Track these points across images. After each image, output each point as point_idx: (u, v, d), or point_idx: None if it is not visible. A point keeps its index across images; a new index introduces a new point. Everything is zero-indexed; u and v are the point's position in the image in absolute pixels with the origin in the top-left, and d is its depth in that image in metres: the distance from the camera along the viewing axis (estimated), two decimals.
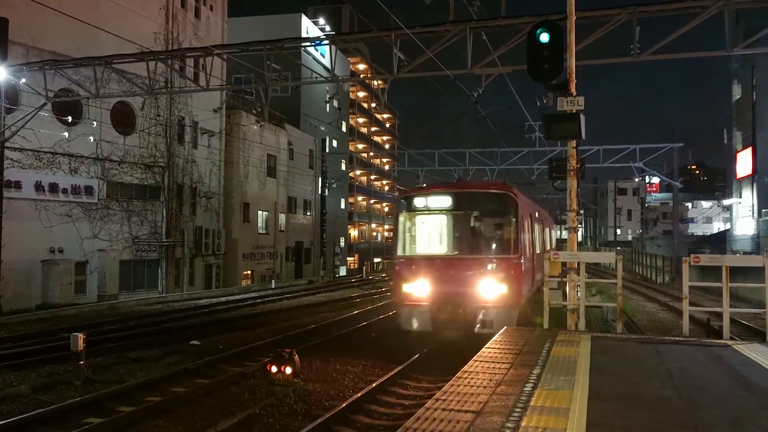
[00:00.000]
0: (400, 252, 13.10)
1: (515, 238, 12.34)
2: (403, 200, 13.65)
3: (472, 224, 13.22)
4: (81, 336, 11.76)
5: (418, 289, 12.37)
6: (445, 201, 12.95)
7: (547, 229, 20.61)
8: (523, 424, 5.10)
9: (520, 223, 12.48)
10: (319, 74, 24.26)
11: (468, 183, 15.24)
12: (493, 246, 12.83)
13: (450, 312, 11.96)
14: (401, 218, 13.32)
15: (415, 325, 12.35)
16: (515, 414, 5.36)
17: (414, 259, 13.01)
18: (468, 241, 12.85)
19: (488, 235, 13.14)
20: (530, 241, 13.90)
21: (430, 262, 12.71)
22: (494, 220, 13.19)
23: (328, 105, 52.88)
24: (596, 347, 8.52)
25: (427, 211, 13.16)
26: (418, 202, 13.13)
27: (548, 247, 20.10)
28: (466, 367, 7.22)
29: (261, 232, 41.20)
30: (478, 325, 11.73)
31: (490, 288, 11.91)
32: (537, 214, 16.63)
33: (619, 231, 76.37)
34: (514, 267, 12.11)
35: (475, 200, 13.17)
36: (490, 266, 12.12)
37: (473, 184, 15.25)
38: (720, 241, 50.04)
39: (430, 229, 13.68)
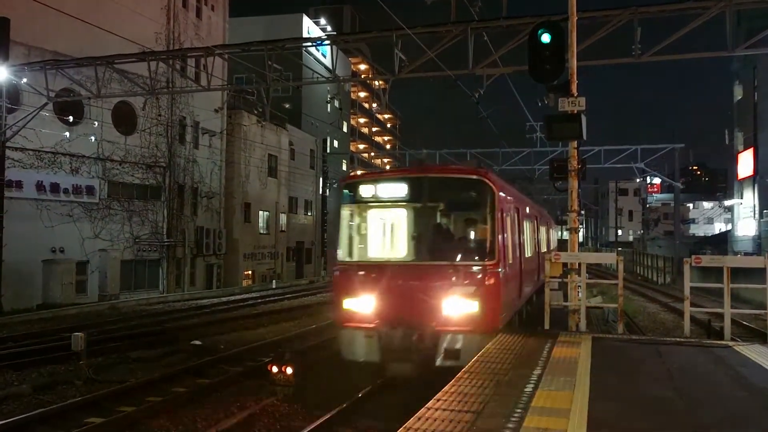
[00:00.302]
0: (341, 256, 10.45)
1: (492, 239, 9.63)
2: (345, 189, 10.74)
3: (435, 220, 10.53)
4: (82, 336, 11.78)
5: (363, 305, 9.74)
6: (399, 189, 10.23)
7: (543, 228, 18.10)
8: (524, 424, 5.10)
9: (500, 218, 9.82)
10: (320, 74, 24.26)
11: (430, 166, 12.73)
12: (463, 249, 10.12)
13: (403, 338, 9.28)
14: (343, 212, 10.65)
15: (357, 353, 9.82)
16: (516, 415, 5.36)
17: (358, 266, 10.41)
18: (429, 243, 10.12)
19: (457, 234, 10.57)
20: (516, 243, 11.26)
21: (379, 270, 9.97)
22: (464, 215, 10.55)
23: (329, 105, 52.93)
24: (597, 348, 8.52)
25: (377, 202, 10.47)
26: (365, 190, 10.37)
27: (544, 249, 17.67)
28: (466, 368, 7.22)
29: (262, 232, 41.21)
30: (440, 356, 9.19)
31: (457, 306, 9.28)
32: (528, 210, 14.11)
33: (620, 232, 76.31)
34: (490, 277, 9.40)
35: (439, 188, 10.31)
36: (457, 276, 9.45)
37: (436, 168, 12.56)
38: (721, 242, 50.05)
39: (379, 227, 11.09)
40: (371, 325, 9.61)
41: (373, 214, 10.82)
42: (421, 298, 9.43)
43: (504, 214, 10.06)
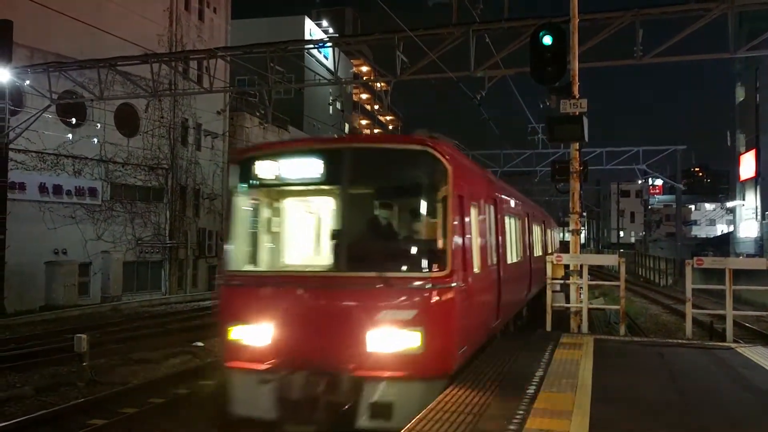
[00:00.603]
0: (230, 264, 7.38)
1: (444, 239, 6.65)
2: (238, 167, 7.59)
3: (362, 212, 7.24)
4: (84, 337, 11.79)
5: (255, 336, 6.79)
6: (312, 167, 7.12)
7: (537, 228, 15.57)
8: (526, 426, 5.11)
9: (457, 209, 6.90)
10: (322, 76, 24.32)
11: (359, 136, 9.39)
12: (401, 254, 7.14)
13: (306, 386, 6.39)
14: (234, 200, 7.57)
15: (246, 406, 6.79)
16: (518, 416, 5.37)
17: (252, 279, 7.33)
18: (350, 246, 6.91)
19: (399, 233, 7.38)
20: (489, 245, 8.54)
21: (280, 284, 7.00)
22: (404, 204, 7.37)
23: (331, 107, 52.94)
24: (599, 350, 8.52)
25: (281, 186, 7.53)
26: (264, 169, 7.34)
27: (539, 253, 15.48)
28: (468, 370, 7.22)
29: None
30: (363, 416, 6.30)
31: (388, 338, 6.37)
32: (513, 204, 11.40)
33: (622, 233, 76.29)
34: (439, 294, 6.49)
35: (367, 165, 7.17)
36: (390, 294, 6.51)
37: (366, 137, 8.18)
38: (723, 244, 50.04)
39: (284, 223, 7.99)
40: (265, 366, 6.60)
41: (275, 204, 7.87)
42: (337, 327, 6.54)
43: (466, 205, 7.29)
